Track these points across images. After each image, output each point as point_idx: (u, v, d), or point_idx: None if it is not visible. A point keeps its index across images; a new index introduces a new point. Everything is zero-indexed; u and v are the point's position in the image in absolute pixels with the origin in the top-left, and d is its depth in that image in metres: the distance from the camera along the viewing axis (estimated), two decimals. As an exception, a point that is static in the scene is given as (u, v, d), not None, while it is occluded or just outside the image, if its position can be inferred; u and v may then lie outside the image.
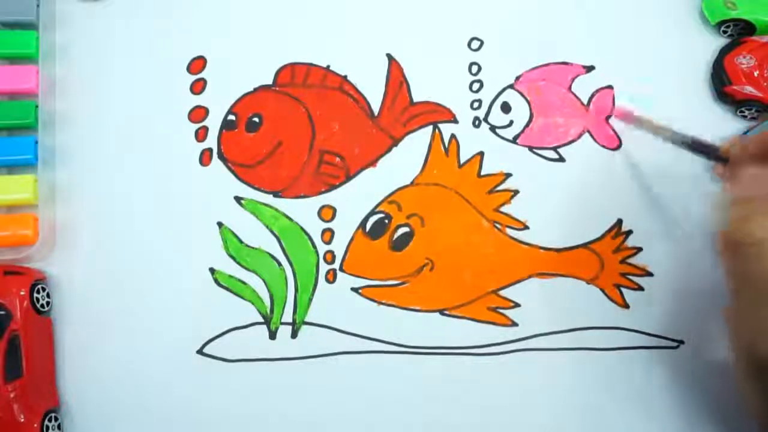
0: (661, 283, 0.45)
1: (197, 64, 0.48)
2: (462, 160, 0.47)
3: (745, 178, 0.35)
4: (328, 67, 0.48)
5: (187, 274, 0.45)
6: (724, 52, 0.48)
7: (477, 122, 0.47)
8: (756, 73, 0.46)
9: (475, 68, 0.48)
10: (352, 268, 0.45)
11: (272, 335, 0.44)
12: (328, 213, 0.46)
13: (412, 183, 0.46)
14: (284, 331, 0.44)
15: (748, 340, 0.32)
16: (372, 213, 0.46)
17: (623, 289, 0.45)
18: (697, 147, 0.41)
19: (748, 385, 0.33)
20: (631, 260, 0.45)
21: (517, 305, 0.45)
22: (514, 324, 0.44)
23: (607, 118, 0.47)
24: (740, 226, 0.32)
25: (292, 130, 0.47)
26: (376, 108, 0.47)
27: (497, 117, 0.47)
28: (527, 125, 0.47)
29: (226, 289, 0.45)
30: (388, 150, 0.47)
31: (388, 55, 0.48)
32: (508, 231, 0.46)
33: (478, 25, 0.49)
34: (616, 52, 0.49)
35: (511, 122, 0.47)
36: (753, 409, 0.34)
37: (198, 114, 0.47)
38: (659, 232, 0.46)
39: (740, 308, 0.33)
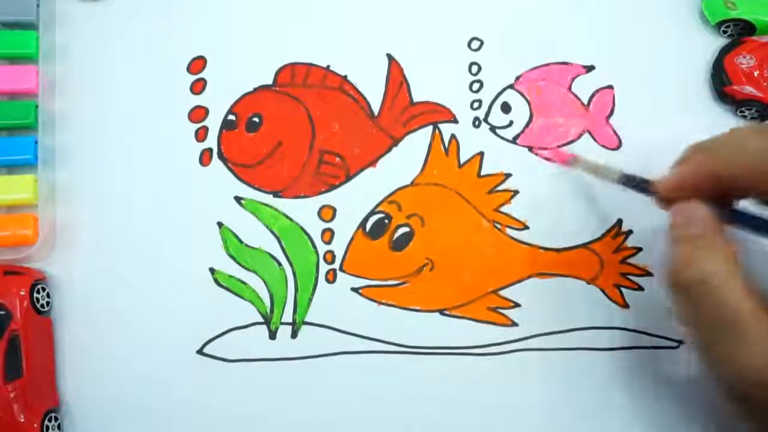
0: (662, 283, 0.45)
1: (197, 64, 0.48)
2: (462, 160, 0.47)
3: (677, 214, 0.35)
4: (328, 67, 0.48)
5: (187, 274, 0.45)
6: (724, 52, 0.48)
7: (477, 122, 0.47)
8: (756, 73, 0.46)
9: (475, 68, 0.48)
10: (352, 268, 0.45)
11: (272, 335, 0.44)
12: (328, 213, 0.46)
13: (412, 183, 0.46)
14: (284, 331, 0.44)
15: (713, 374, 0.33)
16: (372, 213, 0.46)
17: (623, 289, 0.45)
18: (630, 183, 0.40)
19: (731, 407, 0.34)
20: (631, 260, 0.45)
21: (517, 305, 0.45)
22: (514, 324, 0.44)
23: (608, 118, 0.47)
24: (681, 268, 0.33)
25: (292, 130, 0.47)
26: (376, 108, 0.47)
27: (497, 117, 0.47)
28: (527, 125, 0.47)
29: (226, 289, 0.45)
30: (388, 150, 0.47)
31: (388, 55, 0.48)
32: (508, 231, 0.46)
33: (478, 25, 0.49)
34: (616, 52, 0.49)
35: (511, 122, 0.47)
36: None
37: (198, 114, 0.47)
38: (659, 233, 0.46)
39: (697, 346, 0.33)
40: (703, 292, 0.31)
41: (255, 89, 0.48)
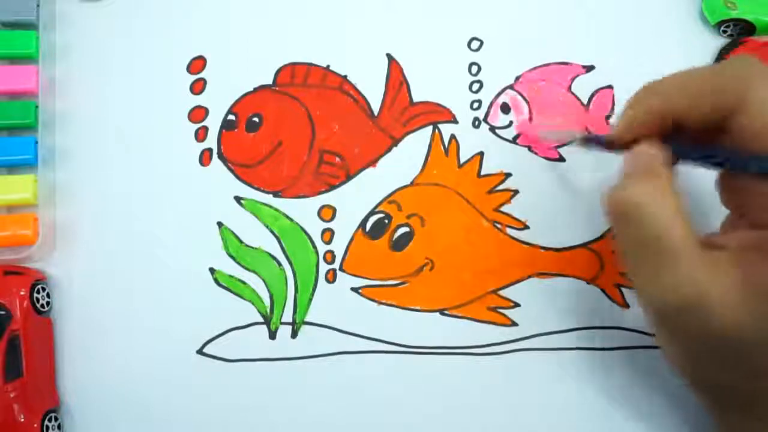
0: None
1: (197, 64, 0.48)
2: (462, 160, 0.47)
3: (625, 158, 0.36)
4: (328, 67, 0.48)
5: (187, 274, 0.45)
6: (724, 52, 0.48)
7: (477, 122, 0.47)
8: (756, 73, 0.46)
9: (474, 68, 0.48)
10: (352, 268, 0.45)
11: (272, 335, 0.44)
12: (328, 213, 0.46)
13: (412, 183, 0.46)
14: (284, 331, 0.44)
15: (642, 299, 0.34)
16: (372, 213, 0.46)
17: (623, 289, 0.45)
18: (592, 142, 0.41)
19: (657, 331, 0.35)
20: (631, 260, 0.45)
21: (517, 305, 0.45)
22: (514, 324, 0.44)
23: (607, 118, 0.47)
24: (616, 192, 0.34)
25: (292, 130, 0.47)
26: (376, 108, 0.47)
27: (497, 117, 0.47)
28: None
29: (226, 289, 0.45)
30: (388, 150, 0.47)
31: (388, 55, 0.48)
32: (508, 231, 0.46)
33: (478, 25, 0.49)
34: (616, 52, 0.49)
35: (511, 122, 0.47)
36: (669, 358, 0.36)
37: (198, 114, 0.47)
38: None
39: (629, 271, 0.35)
40: (637, 214, 0.32)
41: (255, 89, 0.48)
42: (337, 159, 0.46)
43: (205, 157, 0.46)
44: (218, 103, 0.47)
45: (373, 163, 0.47)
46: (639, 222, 0.32)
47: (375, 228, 0.45)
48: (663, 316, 0.33)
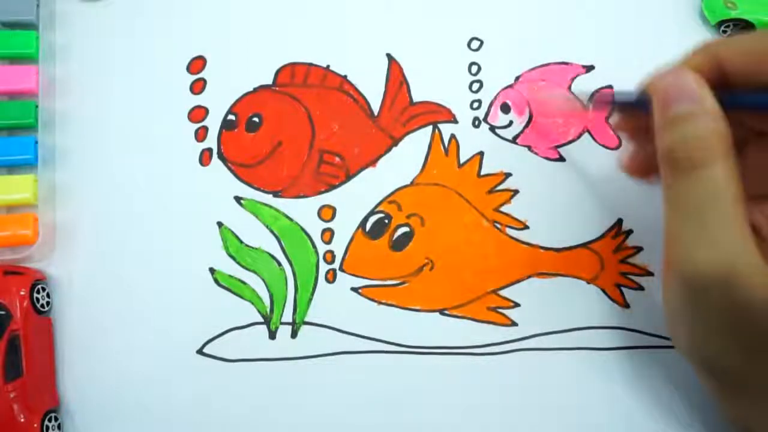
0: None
1: (197, 64, 0.48)
2: (462, 160, 0.47)
3: (666, 87, 0.35)
4: (328, 67, 0.48)
5: (187, 274, 0.45)
6: (724, 51, 0.48)
7: (477, 122, 0.47)
8: (756, 73, 0.46)
9: (474, 68, 0.48)
10: (352, 268, 0.45)
11: (272, 335, 0.44)
12: (328, 213, 0.46)
13: (412, 183, 0.46)
14: (284, 331, 0.44)
15: (675, 260, 0.33)
16: (372, 213, 0.46)
17: (624, 289, 0.45)
18: (621, 101, 0.39)
19: (679, 304, 0.34)
20: (632, 260, 0.45)
21: (517, 305, 0.45)
22: (514, 324, 0.44)
23: (607, 118, 0.47)
24: (680, 147, 0.33)
25: (292, 130, 0.47)
26: (376, 108, 0.47)
27: (497, 117, 0.47)
28: (527, 125, 0.47)
29: (226, 289, 0.45)
30: (388, 150, 0.47)
31: (388, 55, 0.48)
32: (508, 231, 0.46)
33: (478, 25, 0.49)
34: (616, 52, 0.49)
35: (511, 122, 0.47)
36: (683, 337, 0.35)
37: (198, 114, 0.47)
38: (659, 232, 0.46)
39: (672, 229, 0.34)
40: (698, 177, 0.32)
41: (255, 89, 0.48)
42: (337, 159, 0.47)
43: (205, 157, 0.46)
44: (218, 103, 0.47)
45: (373, 162, 0.47)
46: (698, 184, 0.32)
47: (375, 228, 0.45)
48: (692, 283, 0.32)
